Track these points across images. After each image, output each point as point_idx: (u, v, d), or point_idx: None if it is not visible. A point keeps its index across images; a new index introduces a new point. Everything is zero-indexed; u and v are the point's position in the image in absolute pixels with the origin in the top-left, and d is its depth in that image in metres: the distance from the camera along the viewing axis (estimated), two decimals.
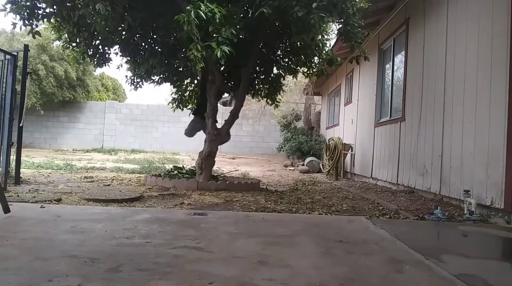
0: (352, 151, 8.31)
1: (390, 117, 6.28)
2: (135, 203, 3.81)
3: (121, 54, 5.70)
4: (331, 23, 4.91)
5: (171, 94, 6.70)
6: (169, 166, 7.27)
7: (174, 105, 6.62)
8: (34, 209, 3.06)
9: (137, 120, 16.73)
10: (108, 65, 5.78)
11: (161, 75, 6.07)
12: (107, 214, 3.00)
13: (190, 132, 5.83)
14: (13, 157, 4.73)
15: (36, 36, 4.48)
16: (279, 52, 6.07)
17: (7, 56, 4.56)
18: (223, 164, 10.21)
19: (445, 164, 4.34)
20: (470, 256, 2.20)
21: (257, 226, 2.61)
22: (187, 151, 15.09)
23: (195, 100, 6.61)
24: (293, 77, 6.65)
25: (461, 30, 4.15)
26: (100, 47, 5.53)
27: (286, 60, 6.06)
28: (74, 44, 5.31)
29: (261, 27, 4.85)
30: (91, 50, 5.44)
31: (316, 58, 5.81)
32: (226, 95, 8.82)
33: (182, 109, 6.73)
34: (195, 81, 6.36)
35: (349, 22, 4.33)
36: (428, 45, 4.96)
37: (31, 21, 4.30)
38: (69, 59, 12.20)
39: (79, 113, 16.80)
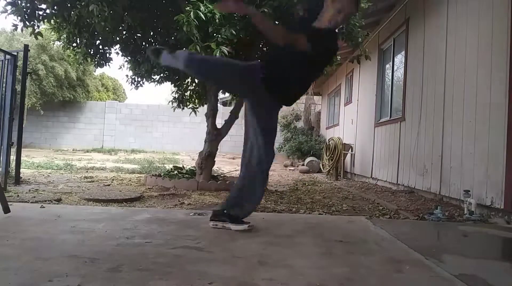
0: (352, 151, 8.31)
1: (390, 117, 6.28)
2: (135, 203, 3.81)
3: (121, 54, 5.70)
4: None
5: (171, 93, 6.69)
6: (169, 166, 7.26)
7: (175, 104, 6.61)
8: (34, 209, 3.05)
9: (137, 120, 16.73)
10: (109, 65, 5.79)
11: (162, 74, 6.06)
12: (107, 214, 2.99)
13: None
14: (13, 157, 4.73)
15: (42, 37, 4.49)
16: None
17: (7, 56, 4.56)
18: (223, 164, 10.20)
19: (445, 164, 4.34)
20: (470, 256, 2.20)
21: (257, 226, 2.61)
22: (187, 151, 15.10)
23: (196, 100, 6.59)
24: None
25: (461, 30, 4.15)
26: (100, 47, 5.53)
27: None
28: (74, 45, 5.32)
29: None
30: (92, 50, 5.44)
31: None
32: (226, 95, 8.81)
33: (183, 109, 6.72)
34: (196, 81, 6.35)
35: (349, 23, 4.34)
36: (428, 45, 4.96)
37: (32, 22, 4.31)
38: (69, 60, 12.17)
39: (79, 113, 16.79)
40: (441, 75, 4.51)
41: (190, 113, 6.67)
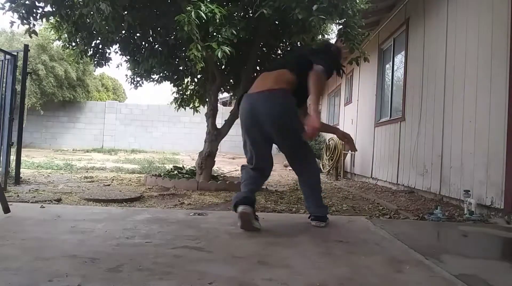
0: (352, 151, 8.30)
1: (390, 117, 6.28)
2: (135, 203, 3.81)
3: (120, 53, 5.70)
4: (331, 24, 4.92)
5: (172, 94, 6.71)
6: (169, 166, 7.26)
7: (176, 104, 6.63)
8: (34, 209, 3.05)
9: (137, 120, 16.74)
10: (108, 65, 5.79)
11: (161, 74, 6.07)
12: (107, 214, 2.99)
13: None
14: (13, 157, 4.73)
15: (36, 36, 4.46)
16: (279, 52, 6.07)
17: (7, 56, 4.56)
18: (223, 164, 10.21)
19: (445, 164, 4.34)
20: (470, 256, 2.20)
21: None
22: (187, 151, 15.10)
23: (197, 99, 6.61)
24: None
25: (461, 29, 4.15)
26: (100, 46, 5.53)
27: None
28: (73, 44, 5.31)
29: (261, 27, 4.86)
30: (91, 49, 5.44)
31: None
32: (226, 95, 8.82)
33: (185, 109, 6.74)
34: (196, 80, 6.37)
35: (349, 24, 4.34)
36: (428, 45, 4.96)
37: (29, 20, 4.30)
38: (69, 59, 12.18)
39: (79, 113, 16.80)
40: (441, 75, 4.51)
41: (194, 112, 6.69)
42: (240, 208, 2.50)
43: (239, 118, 2.84)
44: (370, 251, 2.16)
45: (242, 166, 2.89)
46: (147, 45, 5.44)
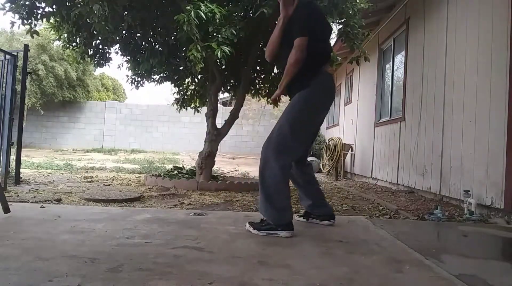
0: (352, 151, 8.31)
1: (390, 117, 6.29)
2: (135, 203, 3.81)
3: (121, 53, 5.70)
4: (331, 23, 4.92)
5: (173, 94, 6.72)
6: (169, 166, 7.27)
7: (178, 105, 6.63)
8: (34, 209, 3.05)
9: (137, 120, 16.73)
10: (109, 65, 5.78)
11: (162, 74, 6.07)
12: (107, 214, 2.99)
13: None
14: (13, 157, 4.73)
15: (36, 36, 4.47)
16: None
17: (7, 56, 4.56)
18: (223, 164, 10.21)
19: (445, 164, 4.34)
20: (470, 256, 2.20)
21: None
22: (187, 151, 15.10)
23: (198, 99, 6.62)
24: None
25: (461, 30, 4.15)
26: (100, 46, 5.53)
27: None
28: (74, 44, 5.31)
29: (262, 27, 4.85)
30: (91, 50, 5.44)
31: None
32: (226, 95, 8.82)
33: (186, 109, 6.73)
34: (196, 80, 6.37)
35: (349, 23, 4.34)
36: (428, 45, 4.96)
37: (30, 21, 4.30)
38: (69, 59, 12.20)
39: (79, 113, 16.80)
40: (441, 75, 4.51)
41: (194, 112, 6.70)
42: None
43: (318, 98, 2.56)
44: (370, 251, 2.16)
45: (285, 172, 2.54)
46: (147, 45, 5.44)
